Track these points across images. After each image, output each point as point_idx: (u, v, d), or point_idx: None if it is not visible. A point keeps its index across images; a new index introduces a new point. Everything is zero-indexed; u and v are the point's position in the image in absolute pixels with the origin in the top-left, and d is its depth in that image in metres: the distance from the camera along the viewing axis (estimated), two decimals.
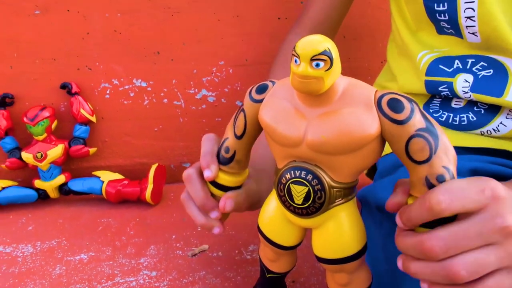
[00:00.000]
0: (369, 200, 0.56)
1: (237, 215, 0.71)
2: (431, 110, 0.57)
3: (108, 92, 0.80)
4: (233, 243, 0.65)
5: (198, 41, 0.80)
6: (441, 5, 0.51)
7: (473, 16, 0.49)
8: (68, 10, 0.75)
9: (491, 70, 0.51)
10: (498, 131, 0.52)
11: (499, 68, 0.50)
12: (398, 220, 0.35)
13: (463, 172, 0.48)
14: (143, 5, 0.76)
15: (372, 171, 0.68)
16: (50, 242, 0.66)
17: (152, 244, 0.65)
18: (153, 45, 0.79)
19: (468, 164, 0.49)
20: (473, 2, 0.48)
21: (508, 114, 0.51)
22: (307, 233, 0.43)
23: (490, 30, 0.49)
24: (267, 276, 0.48)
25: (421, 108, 0.33)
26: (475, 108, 0.53)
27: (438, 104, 0.57)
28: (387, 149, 0.47)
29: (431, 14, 0.53)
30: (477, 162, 0.49)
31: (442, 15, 0.52)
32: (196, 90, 0.82)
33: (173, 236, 0.67)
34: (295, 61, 0.32)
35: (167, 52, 0.79)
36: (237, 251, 0.63)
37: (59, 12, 0.75)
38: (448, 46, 0.54)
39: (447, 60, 0.54)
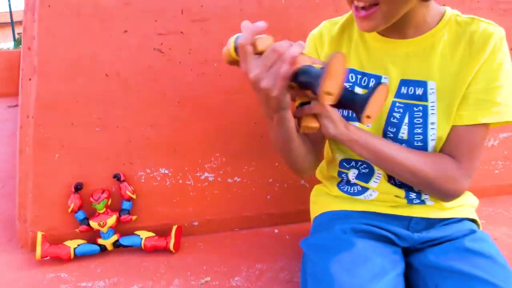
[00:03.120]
0: (308, 247, 0.95)
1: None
2: (340, 186, 0.97)
3: (143, 178, 1.21)
4: (226, 274, 1.04)
5: (198, 142, 1.22)
6: None
7: None
8: (117, 127, 1.18)
9: (368, 169, 0.92)
10: (371, 196, 0.92)
11: (371, 168, 0.91)
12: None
13: (348, 231, 0.88)
14: (166, 120, 1.19)
15: None
16: (112, 279, 1.06)
17: (176, 278, 1.05)
18: (171, 145, 1.21)
19: (350, 226, 0.89)
20: None
21: (373, 191, 0.92)
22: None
23: None
24: None
25: None
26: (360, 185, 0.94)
27: (344, 183, 0.97)
28: (323, 209, 0.90)
29: None
30: (356, 224, 0.89)
31: None
32: (201, 173, 1.24)
33: (188, 273, 1.07)
34: None
35: (184, 149, 1.21)
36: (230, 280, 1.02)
37: (111, 129, 1.18)
38: (349, 152, 0.93)
39: (348, 160, 0.94)
